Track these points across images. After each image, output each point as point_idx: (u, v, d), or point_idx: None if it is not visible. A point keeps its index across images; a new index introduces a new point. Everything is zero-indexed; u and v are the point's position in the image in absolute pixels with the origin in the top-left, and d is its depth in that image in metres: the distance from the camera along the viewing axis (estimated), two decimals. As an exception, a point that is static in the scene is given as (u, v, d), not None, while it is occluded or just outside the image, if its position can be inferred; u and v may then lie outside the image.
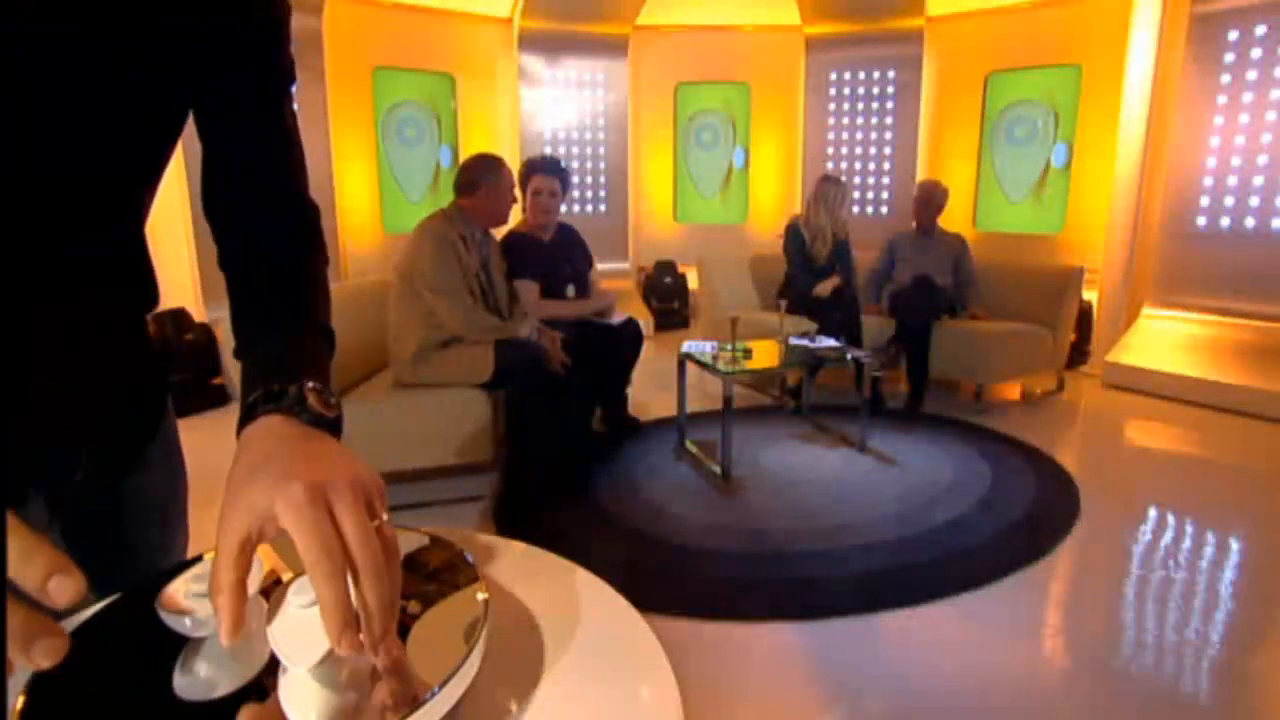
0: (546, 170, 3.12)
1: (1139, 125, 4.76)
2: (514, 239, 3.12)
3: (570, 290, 3.17)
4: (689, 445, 3.28)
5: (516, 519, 2.61)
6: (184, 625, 0.44)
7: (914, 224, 4.27)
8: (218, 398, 3.97)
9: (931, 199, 4.19)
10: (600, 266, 5.33)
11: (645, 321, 5.72)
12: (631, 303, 5.81)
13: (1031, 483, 2.89)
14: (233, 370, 2.44)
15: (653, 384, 4.21)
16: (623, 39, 5.71)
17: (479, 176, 2.73)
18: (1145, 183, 4.75)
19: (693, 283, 5.77)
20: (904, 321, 3.85)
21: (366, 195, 5.24)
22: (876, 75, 5.68)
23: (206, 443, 3.71)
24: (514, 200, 2.80)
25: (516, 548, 1.32)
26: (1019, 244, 5.31)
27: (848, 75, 5.75)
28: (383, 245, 5.31)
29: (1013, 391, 4.20)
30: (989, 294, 4.18)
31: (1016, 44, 5.33)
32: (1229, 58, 4.12)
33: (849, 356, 3.24)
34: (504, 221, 2.79)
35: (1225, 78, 4.15)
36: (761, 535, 2.49)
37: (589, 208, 5.88)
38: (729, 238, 6.15)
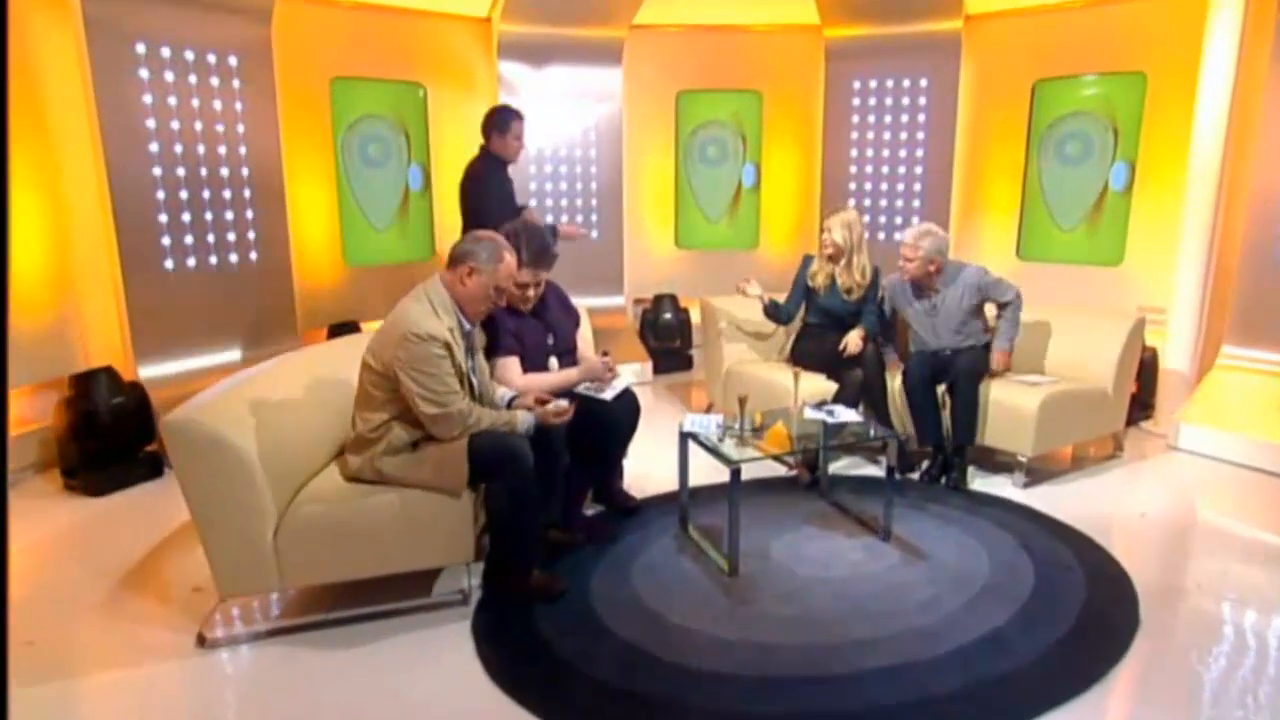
0: (535, 259, 3.06)
1: (1215, 143, 4.81)
2: None
3: (554, 363, 3.22)
4: (692, 532, 3.32)
5: (498, 632, 2.66)
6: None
7: (907, 282, 4.07)
8: (151, 470, 4.01)
9: (932, 256, 3.91)
10: (592, 302, 5.40)
11: (643, 365, 5.78)
12: (627, 342, 5.86)
13: (1081, 584, 2.93)
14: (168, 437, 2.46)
15: (651, 440, 4.21)
16: (617, 42, 5.79)
17: (471, 255, 2.70)
18: (1222, 210, 4.80)
19: (696, 317, 5.82)
20: (915, 404, 3.94)
21: (324, 223, 5.31)
22: (906, 83, 5.76)
23: (140, 520, 3.68)
24: (499, 303, 2.80)
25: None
26: (1071, 279, 5.36)
27: (873, 83, 5.83)
28: (343, 280, 5.38)
29: (1063, 454, 4.23)
30: (1032, 338, 4.20)
31: (1069, 48, 5.40)
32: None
33: (871, 434, 3.31)
34: (477, 319, 2.83)
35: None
36: (770, 654, 2.52)
37: (579, 233, 5.94)
38: (738, 267, 6.19)
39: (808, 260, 4.36)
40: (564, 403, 2.87)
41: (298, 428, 2.77)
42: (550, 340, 3.23)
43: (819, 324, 4.28)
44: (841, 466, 4.11)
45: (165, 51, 4.19)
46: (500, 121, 4.28)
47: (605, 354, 3.30)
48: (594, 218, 5.96)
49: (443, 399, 2.58)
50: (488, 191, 4.24)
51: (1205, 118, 4.85)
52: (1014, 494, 3.77)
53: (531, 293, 3.12)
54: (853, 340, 4.05)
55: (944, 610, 2.75)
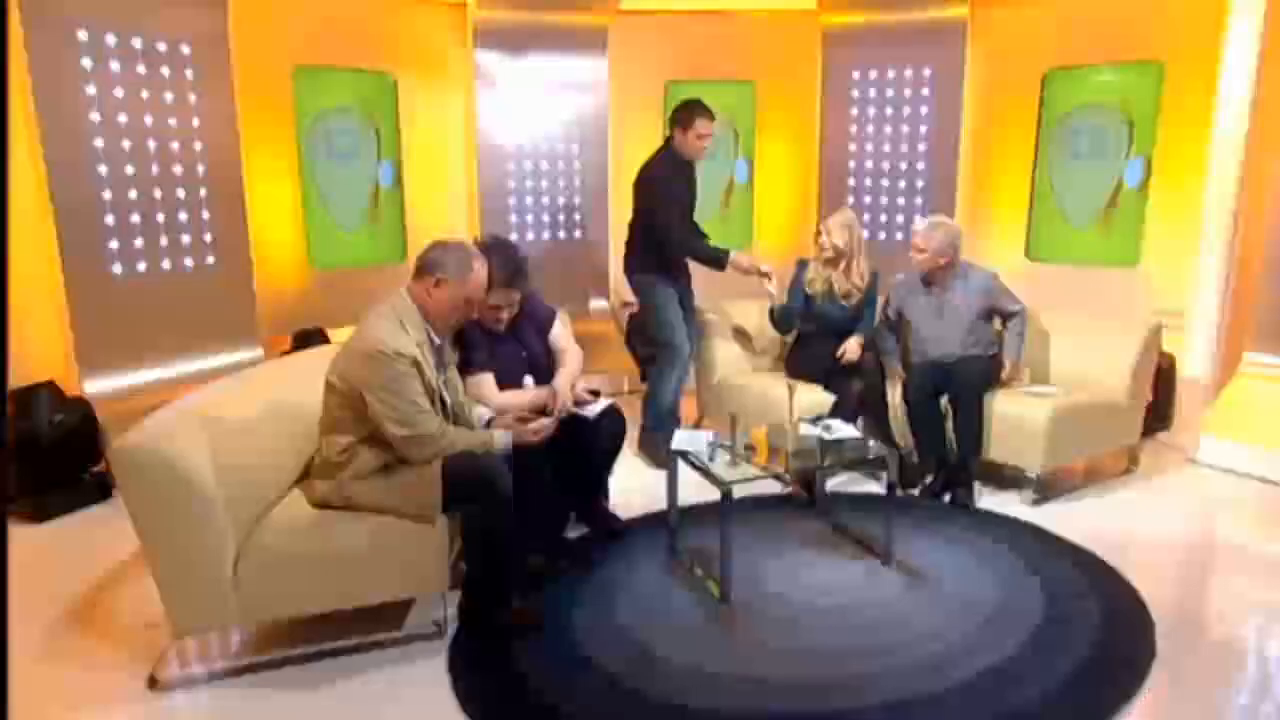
0: (508, 279, 3.06)
1: (1236, 136, 4.85)
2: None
3: (529, 381, 3.23)
4: (681, 556, 3.34)
5: (476, 666, 2.66)
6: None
7: (919, 277, 4.15)
8: (98, 492, 3.98)
9: (944, 250, 4.02)
10: (576, 307, 5.38)
11: (628, 373, 5.78)
12: (614, 349, 5.86)
13: (1094, 610, 2.95)
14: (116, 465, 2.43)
15: (637, 457, 4.25)
16: (602, 30, 5.81)
17: (437, 265, 2.70)
18: (1244, 208, 4.84)
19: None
20: (916, 417, 3.98)
21: (288, 224, 5.28)
22: (909, 73, 5.78)
23: (86, 549, 3.68)
24: (469, 315, 2.81)
25: None
26: (1083, 281, 5.40)
27: (874, 73, 5.85)
28: (309, 284, 5.36)
29: (1074, 469, 4.26)
30: (1041, 345, 4.23)
31: (1082, 36, 5.43)
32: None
33: (870, 450, 3.34)
34: (447, 332, 2.83)
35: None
36: (765, 688, 2.54)
37: (561, 234, 5.95)
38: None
39: (802, 265, 4.37)
40: (547, 420, 2.87)
41: (259, 451, 2.75)
42: (524, 355, 3.25)
43: (815, 332, 4.31)
44: (840, 482, 4.13)
45: (110, 39, 4.14)
46: (683, 115, 4.20)
47: (595, 392, 3.31)
48: (577, 216, 5.97)
49: (413, 420, 2.58)
50: (662, 194, 4.17)
51: (1226, 110, 4.89)
52: (1022, 512, 3.80)
53: (504, 314, 3.13)
54: (851, 347, 4.08)
55: (949, 640, 2.77)
